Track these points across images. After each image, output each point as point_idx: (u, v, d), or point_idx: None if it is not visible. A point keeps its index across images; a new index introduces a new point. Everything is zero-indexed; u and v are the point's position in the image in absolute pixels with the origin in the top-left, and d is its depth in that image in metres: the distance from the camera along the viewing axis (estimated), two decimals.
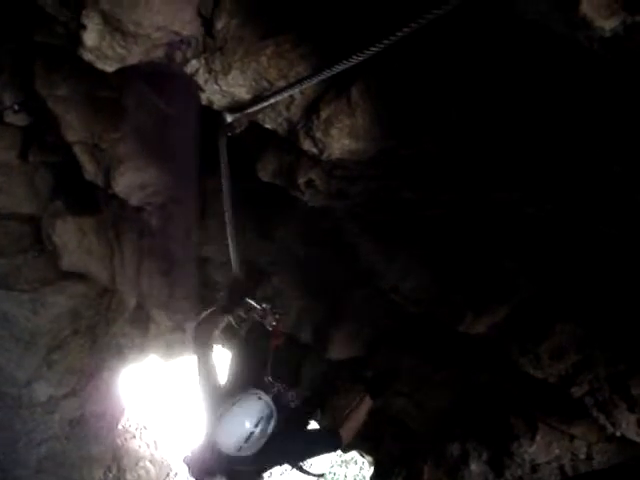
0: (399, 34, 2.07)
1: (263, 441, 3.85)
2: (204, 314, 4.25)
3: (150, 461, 11.30)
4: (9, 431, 8.43)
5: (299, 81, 2.65)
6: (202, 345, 4.19)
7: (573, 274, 3.19)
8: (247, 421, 3.78)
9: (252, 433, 3.76)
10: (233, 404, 3.83)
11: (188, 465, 4.21)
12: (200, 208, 5.05)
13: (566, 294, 3.37)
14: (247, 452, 3.86)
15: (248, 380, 4.28)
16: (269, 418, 3.88)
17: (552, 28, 1.65)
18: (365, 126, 2.70)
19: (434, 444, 5.01)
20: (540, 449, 4.29)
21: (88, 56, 2.88)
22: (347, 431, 4.33)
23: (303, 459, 4.61)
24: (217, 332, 4.22)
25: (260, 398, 3.91)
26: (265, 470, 4.57)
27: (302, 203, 3.58)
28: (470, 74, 2.40)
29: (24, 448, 8.63)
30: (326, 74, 2.50)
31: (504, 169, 2.74)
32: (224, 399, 3.95)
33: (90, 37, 2.77)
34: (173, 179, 4.72)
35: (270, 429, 3.88)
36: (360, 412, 4.45)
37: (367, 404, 4.47)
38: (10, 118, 5.22)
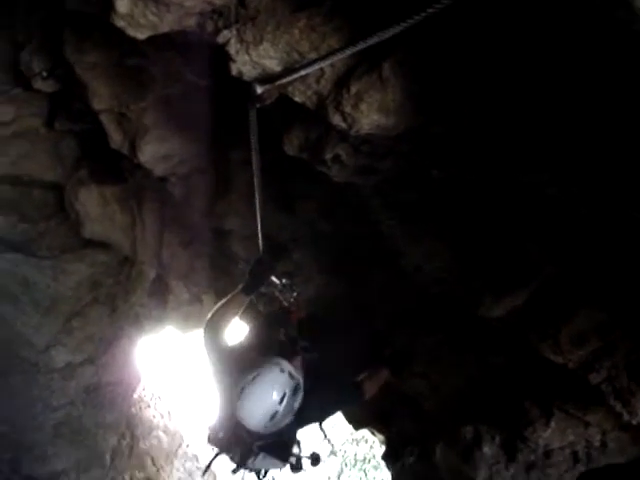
0: (430, 10, 2.06)
1: (290, 418, 3.62)
2: (223, 301, 3.99)
3: (163, 431, 11.43)
4: (26, 396, 8.54)
5: (330, 53, 2.63)
6: (217, 331, 3.94)
7: (596, 259, 3.17)
8: (270, 397, 3.49)
9: (276, 412, 3.47)
10: (254, 378, 3.51)
11: (214, 442, 3.99)
12: (224, 180, 5.06)
13: (588, 279, 3.35)
14: (273, 429, 3.56)
15: (269, 349, 4.01)
16: (295, 391, 3.59)
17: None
18: (395, 102, 2.69)
19: (447, 425, 5.01)
20: (554, 435, 4.28)
21: (120, 23, 2.87)
22: (368, 387, 4.32)
23: (330, 414, 4.46)
24: (237, 316, 4.08)
25: (283, 370, 3.59)
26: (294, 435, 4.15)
27: (327, 178, 3.58)
28: (503, 50, 2.38)
29: (40, 413, 8.75)
30: (358, 47, 2.49)
31: (533, 150, 2.72)
32: (244, 371, 3.60)
33: (123, 4, 2.76)
34: (198, 150, 4.72)
35: (297, 404, 3.63)
36: (379, 377, 4.47)
37: (385, 373, 4.51)
38: (38, 84, 5.22)
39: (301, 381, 3.66)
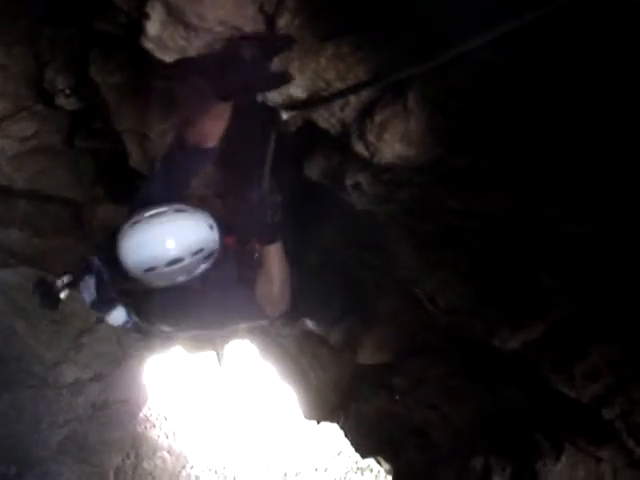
0: (457, 49, 2.08)
1: (181, 278, 3.06)
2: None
3: (168, 451, 11.42)
4: (33, 411, 8.58)
5: (356, 87, 2.67)
6: None
7: (612, 294, 3.16)
8: (189, 236, 2.96)
9: (181, 260, 2.94)
10: (178, 210, 3.00)
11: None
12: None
13: (604, 314, 3.34)
14: (157, 281, 3.05)
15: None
16: (207, 258, 3.09)
17: None
18: (418, 132, 2.71)
19: (457, 457, 4.99)
20: (564, 470, 4.24)
21: (149, 45, 2.93)
22: (266, 295, 3.31)
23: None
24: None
25: (212, 227, 3.10)
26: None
27: (344, 205, 3.59)
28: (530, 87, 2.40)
29: (47, 429, 8.79)
30: (384, 82, 2.54)
31: (556, 187, 2.73)
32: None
33: (153, 27, 2.82)
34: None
35: (199, 271, 3.11)
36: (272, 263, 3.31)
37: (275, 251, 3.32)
38: (61, 101, 5.27)
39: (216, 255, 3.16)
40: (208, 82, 3.77)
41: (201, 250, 3.01)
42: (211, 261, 3.15)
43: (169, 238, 2.91)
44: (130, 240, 2.91)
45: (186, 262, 2.97)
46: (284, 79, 2.86)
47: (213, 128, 3.33)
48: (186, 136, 3.35)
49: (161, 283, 3.09)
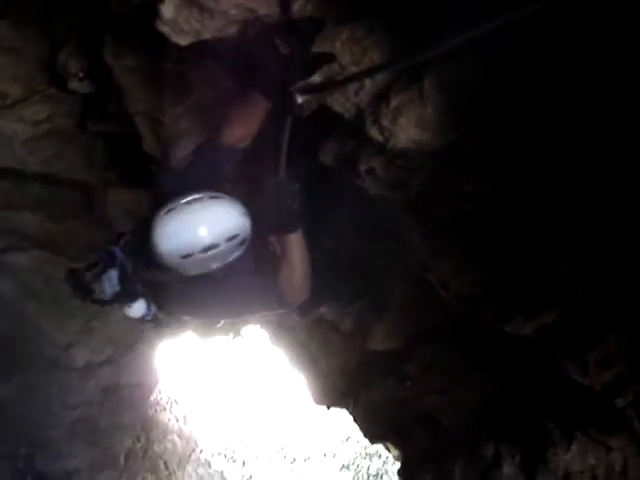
0: (474, 32, 2.05)
1: (215, 265, 3.07)
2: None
3: (178, 435, 11.48)
4: (45, 393, 8.62)
5: (371, 71, 2.66)
6: None
7: (627, 281, 3.15)
8: (224, 222, 2.98)
9: (217, 245, 2.95)
10: (212, 197, 3.00)
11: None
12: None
13: (619, 302, 3.32)
14: (192, 269, 3.05)
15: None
16: (241, 244, 3.10)
17: None
18: (434, 117, 2.70)
19: (466, 443, 4.98)
20: (575, 458, 4.24)
21: (164, 28, 2.90)
22: (288, 284, 3.27)
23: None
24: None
25: (245, 215, 3.09)
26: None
27: (358, 192, 3.58)
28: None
29: (58, 411, 8.83)
30: (399, 65, 2.52)
31: (566, 173, 2.71)
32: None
33: (167, 10, 2.80)
34: None
35: (232, 257, 3.11)
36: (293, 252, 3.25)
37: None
38: (74, 85, 5.25)
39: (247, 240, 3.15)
40: (224, 67, 3.76)
41: (236, 236, 3.02)
42: (244, 248, 3.16)
43: (205, 224, 2.93)
44: (166, 227, 2.91)
45: (222, 248, 2.99)
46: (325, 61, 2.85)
47: (252, 130, 3.30)
48: (222, 136, 3.29)
49: (195, 271, 3.09)
